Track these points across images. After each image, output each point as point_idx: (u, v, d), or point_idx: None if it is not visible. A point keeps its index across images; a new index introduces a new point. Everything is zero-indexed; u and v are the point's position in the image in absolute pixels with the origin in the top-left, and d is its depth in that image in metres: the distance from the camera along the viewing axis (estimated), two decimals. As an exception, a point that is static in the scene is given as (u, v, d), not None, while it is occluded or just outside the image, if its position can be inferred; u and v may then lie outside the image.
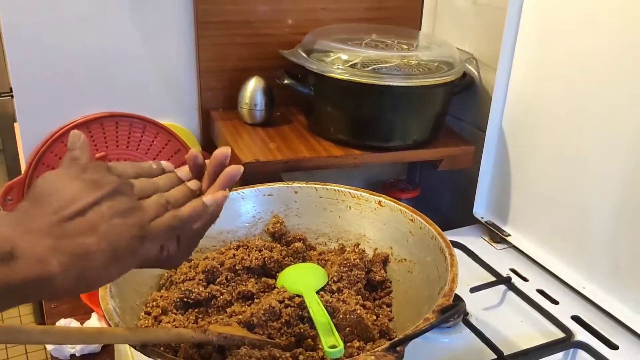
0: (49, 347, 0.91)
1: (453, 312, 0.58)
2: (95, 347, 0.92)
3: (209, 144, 1.18)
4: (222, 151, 0.59)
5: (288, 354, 0.63)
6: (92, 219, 0.46)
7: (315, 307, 0.66)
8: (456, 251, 1.00)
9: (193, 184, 0.58)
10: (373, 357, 0.55)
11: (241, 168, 0.59)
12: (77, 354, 0.92)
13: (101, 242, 0.46)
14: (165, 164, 0.59)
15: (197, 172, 0.60)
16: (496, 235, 1.05)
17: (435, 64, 1.03)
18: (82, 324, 0.96)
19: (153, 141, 1.12)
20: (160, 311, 0.71)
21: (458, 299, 0.86)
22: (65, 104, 1.08)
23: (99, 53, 1.08)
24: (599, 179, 0.87)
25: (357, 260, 0.79)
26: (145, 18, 1.08)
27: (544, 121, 0.96)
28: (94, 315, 0.96)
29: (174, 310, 0.72)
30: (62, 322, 0.95)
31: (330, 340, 0.59)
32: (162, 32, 1.10)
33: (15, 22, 1.01)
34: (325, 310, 0.65)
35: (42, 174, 1.01)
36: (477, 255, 1.00)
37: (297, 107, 1.16)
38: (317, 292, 0.73)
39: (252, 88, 1.07)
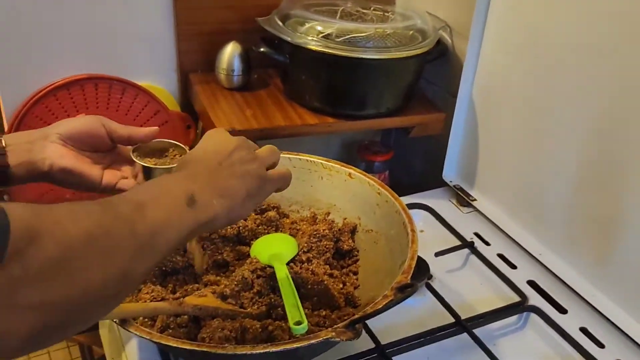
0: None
1: (410, 292, 0.63)
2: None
3: (187, 105, 1.20)
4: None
5: (258, 325, 0.69)
6: (230, 167, 0.60)
7: (284, 282, 0.71)
8: (424, 214, 1.07)
9: None
10: (333, 333, 0.60)
11: None
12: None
13: (239, 184, 0.59)
14: None
15: None
16: (463, 199, 1.10)
17: (410, 33, 1.05)
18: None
19: (133, 102, 1.14)
20: (139, 281, 0.76)
21: (423, 262, 0.92)
22: (45, 66, 1.09)
23: (80, 15, 1.08)
24: (560, 152, 0.91)
25: (327, 231, 0.84)
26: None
27: (511, 92, 0.99)
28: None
29: (153, 279, 0.77)
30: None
31: (295, 316, 0.63)
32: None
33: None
34: (293, 286, 0.70)
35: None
36: (443, 219, 1.05)
37: (274, 69, 1.18)
38: (288, 263, 0.78)
39: (230, 53, 1.09)
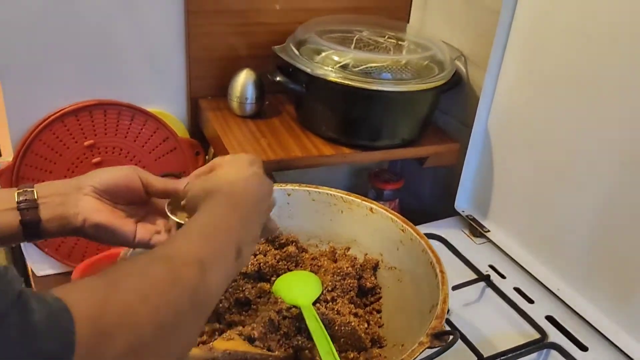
0: None
1: (453, 341, 0.62)
2: None
3: (197, 132, 1.18)
4: None
5: (288, 369, 0.67)
6: (261, 215, 0.64)
7: (315, 327, 0.70)
8: (437, 244, 1.05)
9: None
10: (373, 384, 0.59)
11: None
12: None
13: (259, 232, 0.63)
14: None
15: None
16: (476, 230, 1.09)
17: (425, 63, 1.05)
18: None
19: (142, 129, 1.12)
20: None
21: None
22: (53, 92, 1.07)
23: (89, 40, 1.06)
24: (579, 187, 0.91)
25: (350, 268, 0.83)
26: (135, 5, 1.06)
27: (529, 124, 0.99)
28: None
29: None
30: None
31: (331, 363, 0.62)
32: (152, 21, 1.08)
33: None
34: (325, 332, 0.69)
35: (30, 161, 1.02)
36: (457, 250, 1.04)
37: (284, 95, 1.17)
38: (314, 304, 0.77)
39: (243, 81, 1.08)
